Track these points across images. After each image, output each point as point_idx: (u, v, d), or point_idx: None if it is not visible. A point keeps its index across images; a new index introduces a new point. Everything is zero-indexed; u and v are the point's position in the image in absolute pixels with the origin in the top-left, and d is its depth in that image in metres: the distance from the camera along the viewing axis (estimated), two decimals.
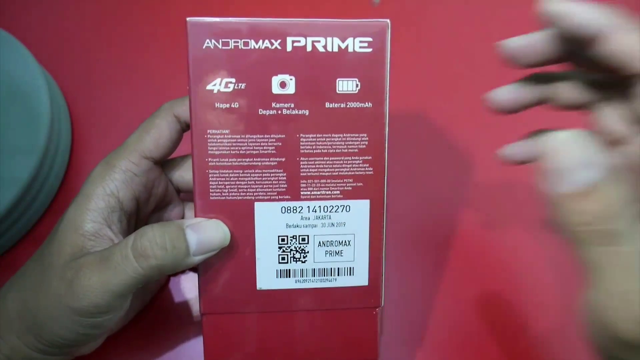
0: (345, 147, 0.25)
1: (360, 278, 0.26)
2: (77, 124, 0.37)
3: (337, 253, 0.26)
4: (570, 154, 0.17)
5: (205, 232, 0.24)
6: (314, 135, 0.25)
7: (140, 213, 0.28)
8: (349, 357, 0.28)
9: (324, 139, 0.25)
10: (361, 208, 0.26)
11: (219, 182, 0.25)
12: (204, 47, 0.24)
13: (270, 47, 0.24)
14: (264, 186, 0.25)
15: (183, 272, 0.33)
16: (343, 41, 0.24)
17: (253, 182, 0.25)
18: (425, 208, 0.36)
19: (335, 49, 0.24)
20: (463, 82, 0.40)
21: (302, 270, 0.26)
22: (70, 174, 0.36)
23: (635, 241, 0.17)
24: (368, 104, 0.25)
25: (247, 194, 0.25)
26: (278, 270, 0.26)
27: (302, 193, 0.25)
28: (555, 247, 0.35)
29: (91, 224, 0.24)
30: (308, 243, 0.26)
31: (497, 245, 0.35)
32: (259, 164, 0.25)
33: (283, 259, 0.26)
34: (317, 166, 0.25)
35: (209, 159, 0.25)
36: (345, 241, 0.26)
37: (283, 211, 0.25)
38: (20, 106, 0.33)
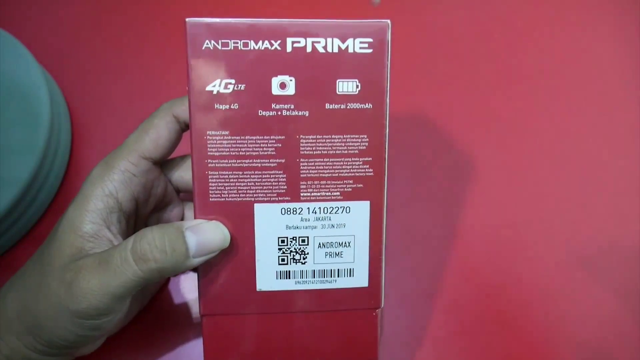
0: (346, 148, 0.25)
1: (360, 279, 0.26)
2: (77, 124, 0.37)
3: (337, 254, 0.26)
4: None
5: (205, 234, 0.24)
6: (314, 137, 0.25)
7: (140, 213, 0.28)
8: (349, 358, 0.27)
9: (324, 140, 0.25)
10: (361, 209, 0.26)
11: (219, 184, 0.25)
12: (203, 47, 0.24)
13: (270, 47, 0.24)
14: (264, 187, 0.25)
15: (183, 272, 0.33)
16: (343, 42, 0.24)
17: (253, 184, 0.25)
18: (425, 208, 0.36)
19: (336, 50, 0.24)
20: (463, 82, 0.40)
21: (302, 272, 0.26)
22: (70, 174, 0.36)
23: None
24: (368, 105, 0.25)
25: (247, 195, 0.25)
26: (278, 272, 0.26)
27: (302, 194, 0.25)
28: (555, 247, 0.35)
29: (90, 225, 0.24)
30: (308, 244, 0.26)
31: (497, 245, 0.35)
32: (259, 165, 0.25)
33: (283, 260, 0.26)
34: (317, 167, 0.25)
35: (209, 160, 0.25)
36: (345, 242, 0.26)
37: (283, 212, 0.25)
38: (20, 106, 0.33)
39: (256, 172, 0.25)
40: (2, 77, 0.34)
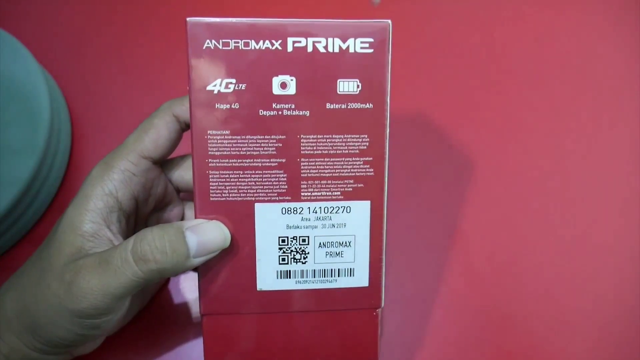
0: (346, 148, 0.25)
1: (361, 279, 0.26)
2: (77, 124, 0.37)
3: (337, 254, 0.26)
4: None
5: (205, 234, 0.24)
6: (315, 136, 0.25)
7: (140, 213, 0.28)
8: (349, 357, 0.27)
9: (325, 140, 0.25)
10: (362, 209, 0.26)
11: (219, 183, 0.25)
12: (204, 47, 0.24)
13: (270, 47, 0.24)
14: (265, 187, 0.25)
15: (183, 272, 0.33)
16: (344, 42, 0.24)
17: (253, 183, 0.25)
18: (425, 208, 0.36)
19: (336, 50, 0.24)
20: (463, 82, 0.40)
21: (302, 271, 0.26)
22: (70, 174, 0.36)
23: None
24: (369, 105, 0.25)
25: (248, 194, 0.25)
26: (278, 271, 0.26)
27: (302, 194, 0.25)
28: (555, 247, 0.35)
29: (90, 224, 0.24)
30: (308, 244, 0.26)
31: (497, 245, 0.35)
32: (260, 164, 0.25)
33: (283, 259, 0.26)
34: (317, 167, 0.25)
35: (209, 160, 0.25)
36: (345, 242, 0.26)
37: (283, 212, 0.25)
38: (20, 106, 0.33)
39: (257, 172, 0.25)
40: (2, 77, 0.34)
